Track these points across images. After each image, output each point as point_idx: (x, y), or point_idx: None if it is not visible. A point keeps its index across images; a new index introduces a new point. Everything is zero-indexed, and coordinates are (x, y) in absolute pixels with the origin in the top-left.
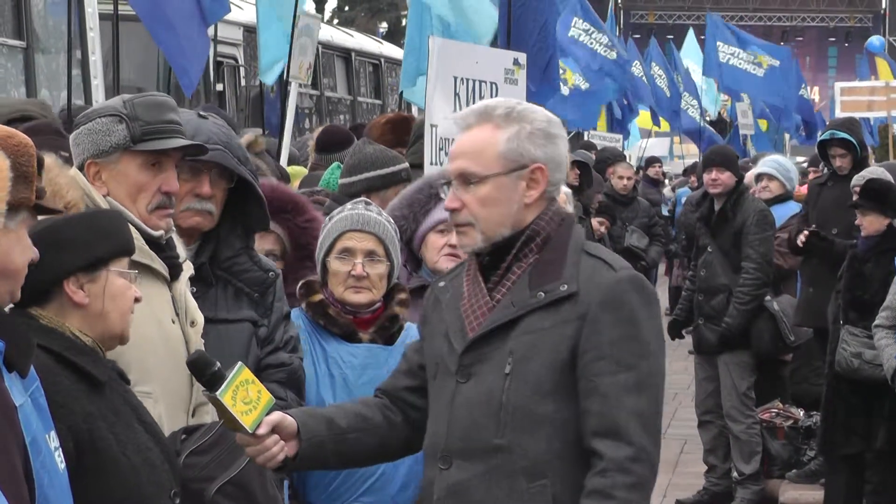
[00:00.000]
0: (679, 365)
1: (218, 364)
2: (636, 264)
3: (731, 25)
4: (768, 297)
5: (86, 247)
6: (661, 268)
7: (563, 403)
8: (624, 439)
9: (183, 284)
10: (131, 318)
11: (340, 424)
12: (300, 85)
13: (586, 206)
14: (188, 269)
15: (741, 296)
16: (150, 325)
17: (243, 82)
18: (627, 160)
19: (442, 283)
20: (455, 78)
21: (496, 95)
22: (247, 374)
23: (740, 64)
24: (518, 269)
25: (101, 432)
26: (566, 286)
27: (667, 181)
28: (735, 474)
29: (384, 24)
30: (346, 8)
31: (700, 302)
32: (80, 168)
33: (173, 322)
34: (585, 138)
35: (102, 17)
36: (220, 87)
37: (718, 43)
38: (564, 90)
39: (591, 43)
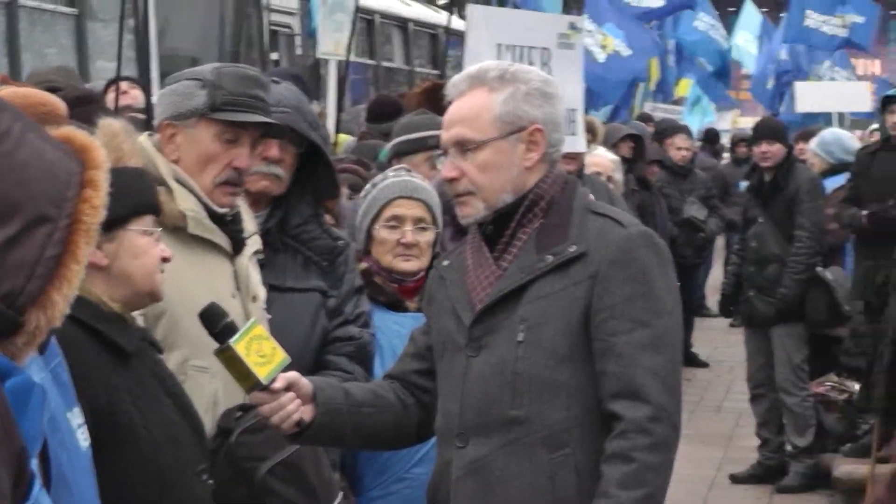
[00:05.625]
0: (735, 338)
1: (231, 317)
2: (695, 235)
3: None
4: (820, 268)
5: None
6: (720, 241)
7: (579, 368)
8: (642, 398)
9: (246, 259)
10: (161, 277)
11: (357, 396)
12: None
13: (641, 178)
14: (254, 244)
15: (795, 265)
16: (209, 298)
17: (299, 51)
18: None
19: (446, 262)
20: (500, 45)
21: (550, 61)
22: (260, 329)
23: (830, 30)
24: (523, 235)
25: (123, 405)
26: (574, 247)
27: (724, 154)
28: (789, 448)
29: None
30: None
31: (751, 273)
32: (158, 127)
33: (234, 297)
34: (644, 110)
35: None
36: (275, 55)
37: (807, 11)
38: (601, 56)
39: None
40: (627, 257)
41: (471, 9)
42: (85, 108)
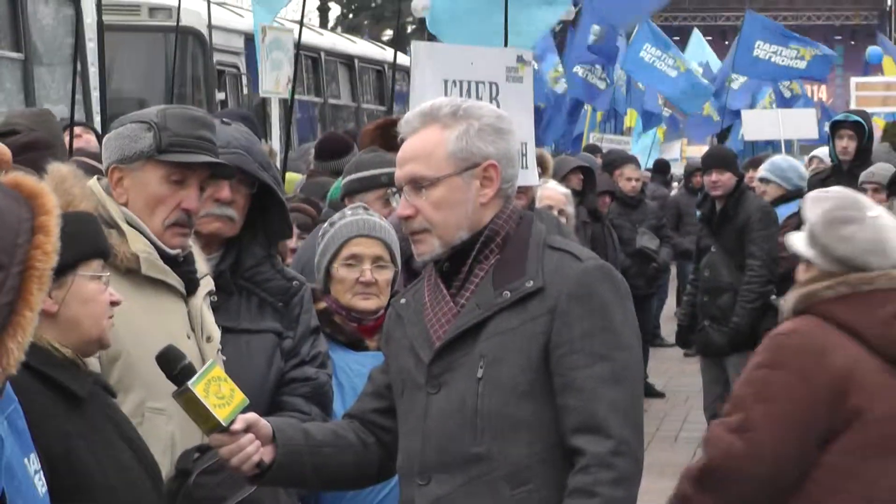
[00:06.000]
0: (691, 367)
1: (188, 359)
2: (648, 266)
3: (772, 22)
4: (774, 296)
5: None
6: (673, 270)
7: (541, 404)
8: (604, 433)
9: (200, 300)
10: (109, 323)
11: (316, 437)
12: (293, 94)
13: (592, 209)
14: (207, 285)
15: (747, 293)
16: (164, 340)
17: (245, 90)
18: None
19: (403, 300)
20: (446, 81)
21: (498, 95)
22: (219, 371)
23: (782, 61)
24: (480, 272)
25: (78, 451)
26: (532, 282)
27: (675, 183)
28: None
29: (388, 32)
30: (351, 16)
31: (705, 303)
32: (106, 172)
33: (188, 337)
34: (590, 141)
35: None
36: (221, 95)
37: (758, 41)
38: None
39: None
40: (586, 291)
41: (415, 46)
42: (35, 153)
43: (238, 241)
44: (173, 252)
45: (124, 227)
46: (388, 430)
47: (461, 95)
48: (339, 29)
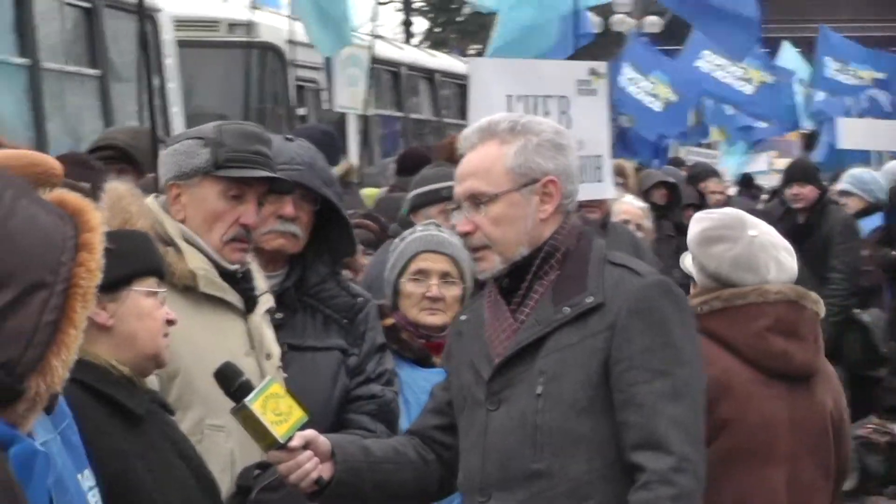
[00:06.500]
0: None
1: (246, 375)
2: None
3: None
4: (857, 309)
5: (105, 267)
6: None
7: (601, 420)
8: (664, 449)
9: (259, 317)
10: (166, 341)
11: (376, 453)
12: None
13: (677, 223)
14: (266, 302)
15: (829, 307)
16: (223, 357)
17: (326, 106)
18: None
19: (464, 317)
20: (510, 97)
21: (569, 109)
22: (277, 388)
23: (847, 80)
24: (540, 288)
25: (135, 470)
26: (592, 298)
27: (763, 196)
28: None
29: (477, 46)
30: (437, 30)
31: None
32: (163, 188)
33: (247, 355)
34: (678, 154)
35: (181, 43)
36: (302, 111)
37: (826, 58)
38: (657, 105)
39: (726, 77)
40: (645, 307)
41: (472, 62)
42: (87, 170)
43: (303, 258)
44: (232, 268)
45: (181, 244)
46: (449, 446)
47: (527, 110)
48: (425, 44)
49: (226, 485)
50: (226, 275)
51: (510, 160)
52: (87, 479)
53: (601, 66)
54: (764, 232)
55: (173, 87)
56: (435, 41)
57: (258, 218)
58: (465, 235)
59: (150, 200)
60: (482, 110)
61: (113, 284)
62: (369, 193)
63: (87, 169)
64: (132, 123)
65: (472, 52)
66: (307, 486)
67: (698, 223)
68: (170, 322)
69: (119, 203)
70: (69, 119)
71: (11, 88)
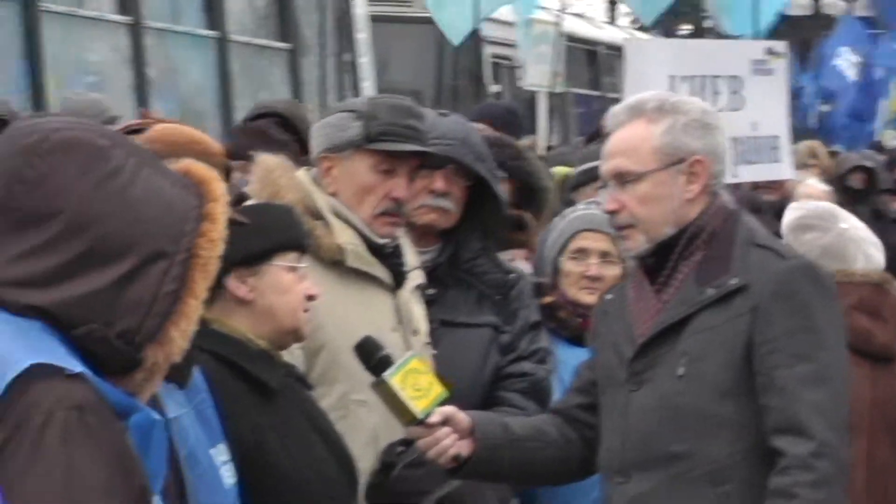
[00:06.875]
0: None
1: (387, 349)
2: None
3: None
4: None
5: (246, 240)
6: None
7: (742, 403)
8: (805, 434)
9: (408, 292)
10: (306, 316)
11: (517, 431)
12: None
13: (875, 210)
14: (416, 278)
15: None
16: (369, 332)
17: (520, 83)
18: None
19: (610, 296)
20: (672, 77)
21: (742, 89)
22: (417, 363)
23: None
24: (685, 268)
25: (270, 444)
26: (736, 279)
27: None
28: None
29: (687, 26)
30: None
31: None
32: (315, 161)
33: (394, 330)
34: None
35: (375, 18)
36: (495, 88)
37: None
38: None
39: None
40: (788, 290)
41: (629, 44)
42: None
43: (456, 233)
44: (381, 242)
45: (331, 218)
46: (592, 426)
47: (693, 91)
48: (634, 25)
49: (369, 460)
50: (375, 250)
51: (657, 139)
52: (221, 453)
53: (779, 45)
54: (854, 226)
55: (365, 62)
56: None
57: (409, 192)
58: (610, 214)
59: (302, 173)
60: (641, 91)
61: (254, 258)
62: (560, 172)
63: (269, 141)
64: (321, 97)
65: (683, 32)
66: (445, 462)
67: (794, 211)
68: (310, 297)
69: (269, 176)
70: (258, 92)
71: (200, 60)
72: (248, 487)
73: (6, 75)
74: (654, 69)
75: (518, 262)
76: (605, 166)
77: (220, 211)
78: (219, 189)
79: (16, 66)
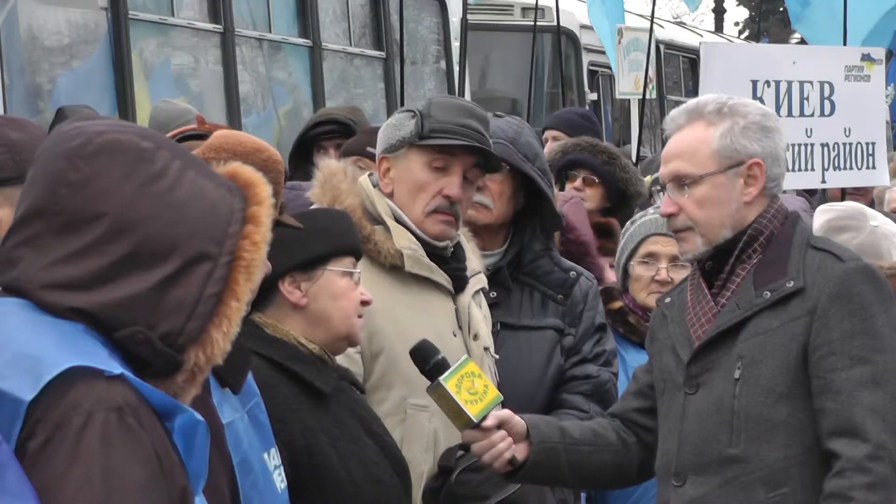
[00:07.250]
0: None
1: (443, 354)
2: None
3: None
4: None
5: (301, 245)
6: None
7: (798, 406)
8: (861, 437)
9: (468, 297)
10: (360, 322)
11: (574, 435)
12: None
13: None
14: (478, 282)
15: None
16: (429, 337)
17: (617, 93)
18: None
19: (668, 299)
20: (755, 82)
21: (832, 95)
22: (472, 367)
23: None
24: (742, 271)
25: (322, 447)
26: (792, 282)
27: None
28: None
29: (797, 36)
30: (759, 19)
31: None
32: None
33: (454, 335)
34: None
35: (473, 27)
36: (593, 96)
37: None
38: None
39: None
40: (846, 292)
41: (706, 48)
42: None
43: (518, 237)
44: (441, 244)
45: (391, 223)
46: (650, 429)
47: (779, 96)
48: (745, 33)
49: (428, 464)
50: (435, 255)
51: (716, 142)
52: (273, 458)
53: (878, 51)
54: (884, 223)
55: (458, 70)
56: (753, 31)
57: (465, 193)
58: (668, 216)
59: (363, 178)
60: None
61: (308, 263)
62: (650, 181)
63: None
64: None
65: (793, 41)
66: (501, 465)
67: (823, 214)
68: (364, 303)
69: (330, 180)
70: (352, 101)
71: (293, 69)
72: (300, 490)
73: (95, 83)
74: (734, 74)
75: (606, 270)
76: (664, 169)
77: (265, 214)
78: (264, 192)
79: (105, 75)
